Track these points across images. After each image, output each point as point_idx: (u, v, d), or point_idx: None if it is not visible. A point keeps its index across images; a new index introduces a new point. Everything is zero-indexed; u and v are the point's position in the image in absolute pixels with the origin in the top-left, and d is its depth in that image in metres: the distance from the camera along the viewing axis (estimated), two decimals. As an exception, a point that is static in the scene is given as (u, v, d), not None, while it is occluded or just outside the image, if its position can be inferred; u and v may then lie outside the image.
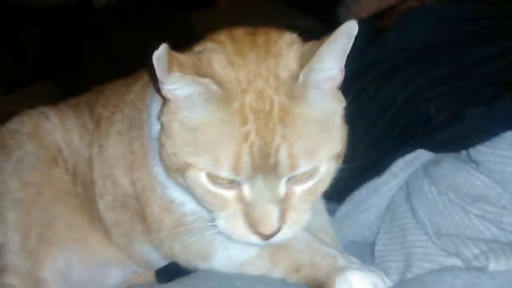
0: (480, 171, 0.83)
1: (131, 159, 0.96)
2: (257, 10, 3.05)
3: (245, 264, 0.88)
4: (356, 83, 1.04)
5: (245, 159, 0.71)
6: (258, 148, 0.71)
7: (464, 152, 0.90)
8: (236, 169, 0.71)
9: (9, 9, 4.19)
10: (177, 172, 0.78)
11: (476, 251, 0.74)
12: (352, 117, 0.82)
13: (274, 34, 0.80)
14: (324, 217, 1.01)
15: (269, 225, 0.74)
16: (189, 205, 0.89)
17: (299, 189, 0.76)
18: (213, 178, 0.74)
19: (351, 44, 0.72)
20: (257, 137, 0.71)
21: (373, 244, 0.96)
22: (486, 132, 0.84)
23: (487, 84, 0.90)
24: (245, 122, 0.71)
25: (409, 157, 0.94)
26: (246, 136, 0.71)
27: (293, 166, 0.72)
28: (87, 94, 1.14)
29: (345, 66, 0.76)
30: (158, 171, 0.89)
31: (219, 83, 0.71)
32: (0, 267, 0.95)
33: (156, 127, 0.85)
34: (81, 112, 1.08)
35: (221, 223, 0.78)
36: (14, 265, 0.96)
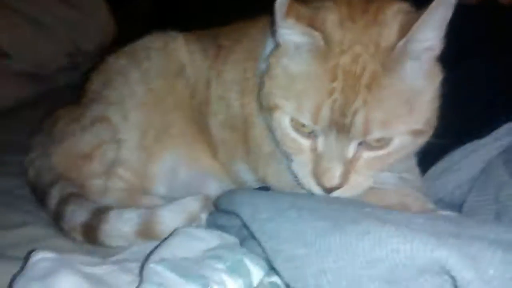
0: None
1: (244, 85, 1.03)
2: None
3: None
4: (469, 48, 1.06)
5: (325, 112, 0.76)
6: (339, 106, 0.75)
7: None
8: (315, 119, 0.77)
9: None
10: (267, 111, 0.85)
11: None
12: (460, 81, 0.84)
13: (386, 2, 0.83)
14: (415, 172, 1.04)
15: (330, 179, 0.78)
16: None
17: (367, 155, 0.79)
18: (295, 124, 0.80)
19: (450, 12, 0.73)
20: (340, 95, 0.75)
21: (460, 206, 0.97)
22: None
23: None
24: (333, 79, 0.76)
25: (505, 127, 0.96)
26: (331, 92, 0.76)
27: (365, 132, 0.76)
28: (210, 29, 1.23)
29: (453, 37, 0.76)
30: None
31: (326, 39, 0.77)
32: (116, 160, 1.05)
33: (262, 65, 0.92)
34: (205, 39, 1.16)
35: (294, 166, 0.84)
36: (129, 159, 1.05)
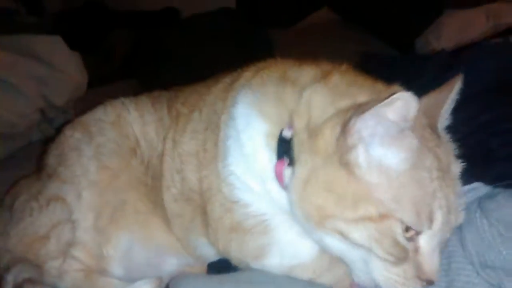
0: (534, 209, 0.85)
1: (202, 157, 1.02)
2: (334, 32, 3.10)
3: (295, 268, 0.93)
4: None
5: (438, 215, 0.78)
6: (445, 205, 0.78)
7: (520, 189, 0.91)
8: (429, 223, 0.77)
9: (105, 13, 4.49)
10: (353, 221, 0.78)
11: (519, 285, 0.76)
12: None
13: None
14: None
15: (437, 273, 0.80)
16: (253, 206, 0.94)
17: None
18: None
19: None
20: (440, 193, 0.78)
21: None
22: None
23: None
24: (432, 179, 0.80)
25: (465, 188, 0.96)
26: (434, 193, 0.78)
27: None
28: (168, 91, 1.23)
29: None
30: (232, 172, 0.94)
31: None
32: (71, 241, 1.04)
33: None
34: (159, 105, 1.16)
35: (388, 274, 0.80)
36: (83, 240, 1.05)
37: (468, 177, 0.96)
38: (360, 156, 0.78)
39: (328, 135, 0.81)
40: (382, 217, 0.76)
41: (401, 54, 2.53)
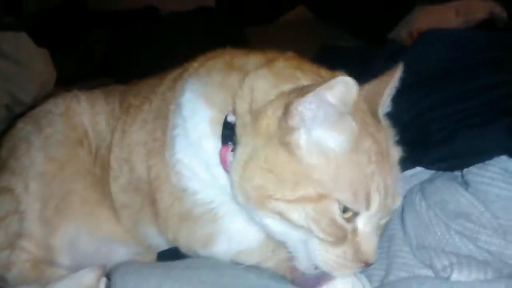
0: (468, 191, 0.86)
1: (151, 146, 1.02)
2: (310, 29, 3.12)
3: (242, 253, 0.94)
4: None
5: (375, 197, 0.79)
6: (383, 188, 0.79)
7: (459, 173, 0.93)
8: (367, 205, 0.78)
9: (84, 13, 4.49)
10: (290, 202, 0.79)
11: (446, 262, 0.77)
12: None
13: None
14: None
15: (374, 254, 0.80)
16: (200, 194, 0.95)
17: (384, 221, 0.85)
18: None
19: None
20: (378, 177, 0.79)
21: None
22: (478, 154, 0.86)
23: (488, 110, 0.93)
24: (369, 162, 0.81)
25: (408, 173, 0.98)
26: (372, 175, 0.79)
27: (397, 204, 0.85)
28: (123, 85, 1.24)
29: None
30: (179, 160, 0.95)
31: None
32: (18, 232, 1.05)
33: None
34: (112, 99, 1.17)
35: (327, 254, 0.80)
36: (30, 231, 1.05)
37: (410, 162, 0.98)
38: (300, 137, 0.79)
39: (270, 116, 0.82)
40: (320, 197, 0.77)
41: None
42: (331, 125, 0.78)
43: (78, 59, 3.99)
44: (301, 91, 0.78)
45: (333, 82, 0.73)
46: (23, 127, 1.15)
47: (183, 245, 1.00)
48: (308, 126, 0.79)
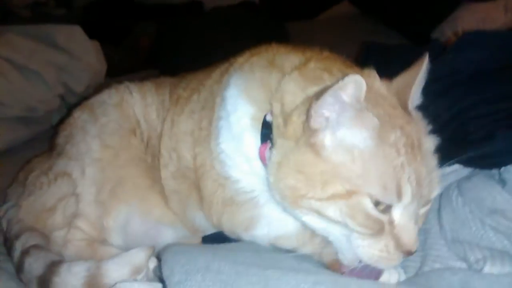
0: (504, 189, 0.88)
1: (198, 135, 1.08)
2: (353, 25, 3.13)
3: (281, 238, 1.00)
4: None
5: (407, 188, 0.81)
6: (414, 178, 0.81)
7: (497, 171, 0.95)
8: (399, 196, 0.81)
9: (131, 6, 4.61)
10: (324, 200, 0.82)
11: (479, 256, 0.80)
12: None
13: None
14: None
15: (415, 243, 0.83)
16: (242, 183, 1.00)
17: (423, 210, 0.88)
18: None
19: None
20: (409, 168, 0.81)
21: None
22: (514, 153, 0.88)
23: (527, 111, 0.94)
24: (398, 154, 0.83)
25: (446, 170, 1.00)
26: (402, 167, 0.81)
27: (434, 193, 0.86)
28: (173, 77, 1.30)
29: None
30: (223, 150, 1.01)
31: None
32: (75, 213, 1.12)
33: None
34: (162, 90, 1.23)
35: (368, 247, 0.83)
36: (86, 212, 1.12)
37: (449, 159, 1.00)
38: (324, 137, 0.83)
39: (296, 121, 0.86)
40: (350, 193, 0.81)
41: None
42: (351, 122, 0.81)
43: (124, 51, 4.12)
44: (318, 93, 0.82)
45: (344, 81, 0.77)
46: (79, 116, 1.22)
47: (227, 228, 1.06)
48: (329, 126, 0.82)
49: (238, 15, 3.12)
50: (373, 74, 0.91)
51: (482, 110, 0.99)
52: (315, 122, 0.82)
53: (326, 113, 0.81)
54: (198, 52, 2.57)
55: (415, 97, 0.91)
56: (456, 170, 1.01)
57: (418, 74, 0.89)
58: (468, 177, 0.97)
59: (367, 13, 3.22)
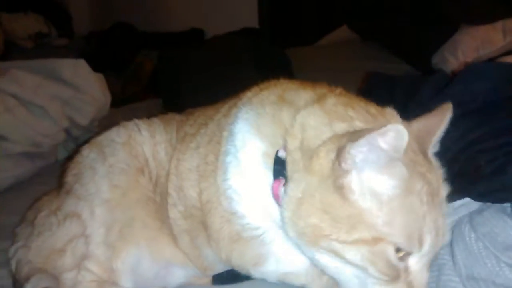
0: (518, 224, 0.88)
1: (203, 169, 1.08)
2: (353, 50, 3.16)
3: (290, 275, 1.01)
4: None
5: (428, 237, 0.82)
6: (434, 228, 0.83)
7: (508, 204, 0.94)
8: (420, 245, 0.82)
9: (133, 35, 4.67)
10: (348, 244, 0.81)
11: (497, 295, 0.79)
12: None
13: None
14: None
15: None
16: (248, 218, 1.00)
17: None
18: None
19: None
20: (429, 217, 0.82)
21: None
22: (527, 188, 0.88)
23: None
24: (422, 203, 0.83)
25: (457, 203, 1.00)
26: (424, 216, 0.82)
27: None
28: (181, 113, 1.31)
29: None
30: (230, 186, 1.01)
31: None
32: (84, 254, 1.11)
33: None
34: (170, 128, 1.23)
35: None
36: (95, 254, 1.11)
37: (459, 194, 1.00)
38: (353, 181, 0.81)
39: (324, 157, 0.85)
40: (376, 240, 0.80)
41: (416, 72, 2.57)
42: (382, 169, 0.81)
43: (126, 79, 4.15)
44: (354, 135, 0.81)
45: (386, 129, 0.76)
46: (88, 154, 1.22)
47: (236, 264, 1.06)
48: (360, 170, 0.81)
49: (238, 42, 3.14)
50: (395, 115, 0.92)
51: (491, 143, 0.99)
52: (346, 163, 0.81)
53: (360, 156, 0.80)
54: (199, 80, 2.59)
55: (435, 145, 0.92)
56: (467, 204, 1.00)
57: (442, 124, 0.91)
58: (479, 211, 0.97)
59: (366, 39, 3.24)
